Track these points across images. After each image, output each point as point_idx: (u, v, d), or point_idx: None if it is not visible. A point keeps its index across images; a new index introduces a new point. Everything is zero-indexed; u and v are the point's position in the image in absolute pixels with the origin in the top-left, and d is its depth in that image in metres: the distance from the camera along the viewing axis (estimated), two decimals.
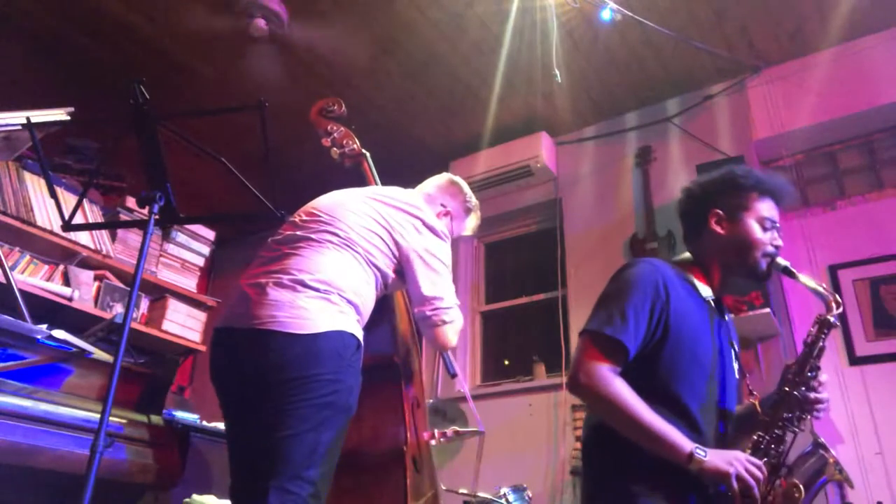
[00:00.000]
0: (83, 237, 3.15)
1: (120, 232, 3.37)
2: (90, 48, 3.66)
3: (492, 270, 4.57)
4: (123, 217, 3.28)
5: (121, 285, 3.30)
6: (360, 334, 1.76)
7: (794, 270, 1.59)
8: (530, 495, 2.62)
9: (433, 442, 2.21)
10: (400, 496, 1.91)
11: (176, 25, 3.49)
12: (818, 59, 3.57)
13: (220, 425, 2.51)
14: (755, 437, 1.48)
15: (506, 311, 4.37)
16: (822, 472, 1.45)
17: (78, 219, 1.84)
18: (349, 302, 1.75)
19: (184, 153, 2.14)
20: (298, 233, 1.86)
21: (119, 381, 1.48)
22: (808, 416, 1.51)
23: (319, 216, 1.89)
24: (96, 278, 3.22)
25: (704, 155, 3.67)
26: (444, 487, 2.41)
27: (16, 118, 2.05)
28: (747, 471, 1.37)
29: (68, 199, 2.97)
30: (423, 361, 2.43)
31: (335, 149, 2.55)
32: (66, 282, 3.07)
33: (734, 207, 1.64)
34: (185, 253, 3.63)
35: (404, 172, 2.54)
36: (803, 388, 1.50)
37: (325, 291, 1.71)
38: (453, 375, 2.40)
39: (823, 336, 1.54)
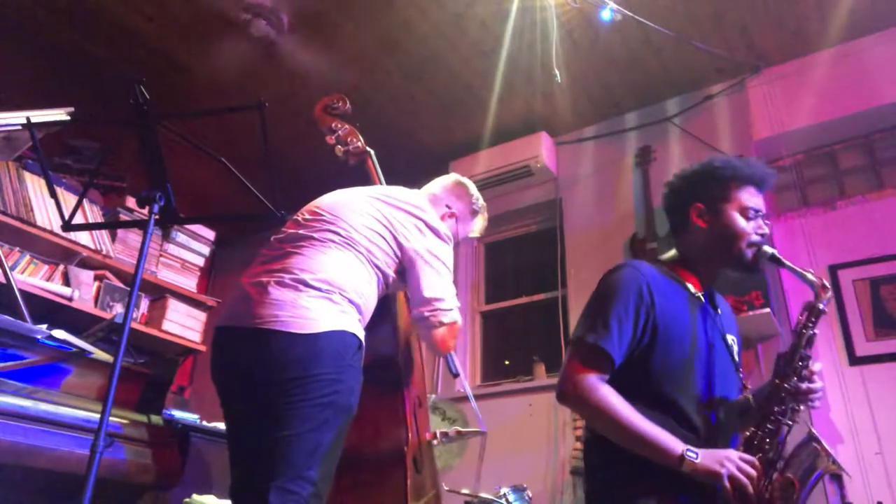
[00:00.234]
0: (83, 237, 3.15)
1: (120, 232, 3.38)
2: (90, 48, 3.66)
3: (492, 270, 4.57)
4: (123, 217, 3.28)
5: (121, 285, 3.30)
6: (361, 334, 1.76)
7: (780, 258, 1.57)
8: (530, 495, 2.62)
9: (435, 442, 2.21)
10: (400, 496, 1.90)
11: (176, 25, 3.49)
12: (818, 59, 3.57)
13: (220, 425, 2.51)
14: (748, 433, 1.47)
15: (506, 311, 4.37)
16: (816, 464, 1.43)
17: (78, 219, 1.84)
18: (351, 302, 1.75)
19: (184, 153, 2.13)
20: (301, 231, 1.85)
21: (119, 381, 1.48)
22: (802, 407, 1.49)
23: (322, 215, 1.89)
24: (96, 278, 3.22)
25: (704, 155, 3.61)
26: (446, 488, 2.41)
27: (16, 118, 2.05)
28: (739, 469, 1.36)
29: (68, 199, 2.98)
30: (424, 361, 2.42)
31: (339, 146, 2.53)
32: (66, 282, 3.07)
33: (714, 199, 1.63)
34: (185, 253, 3.63)
35: (404, 172, 2.54)
36: (795, 379, 1.47)
37: (327, 291, 1.70)
38: (455, 375, 2.40)
39: (812, 323, 1.51)
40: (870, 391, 2.99)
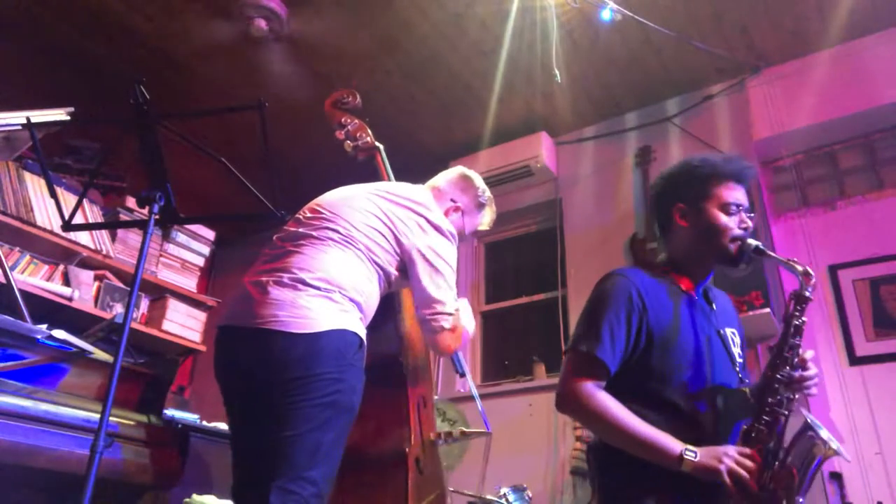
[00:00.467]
0: (83, 237, 3.15)
1: (120, 232, 3.38)
2: (90, 48, 3.66)
3: (492, 270, 4.57)
4: (123, 217, 3.28)
5: (121, 285, 3.30)
6: (362, 333, 1.75)
7: (764, 249, 1.58)
8: (530, 495, 2.62)
9: (440, 442, 2.20)
10: (400, 497, 1.90)
11: (176, 25, 3.49)
12: (818, 59, 3.57)
13: (220, 425, 2.51)
14: (745, 427, 1.47)
15: (506, 311, 4.37)
16: (814, 452, 1.43)
17: (78, 219, 1.84)
18: (351, 300, 1.74)
19: (184, 153, 2.13)
20: (301, 230, 1.84)
21: (119, 381, 1.48)
22: (797, 396, 1.49)
23: (322, 213, 1.88)
24: (96, 278, 3.22)
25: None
26: (451, 489, 2.40)
27: (16, 118, 2.05)
28: (738, 463, 1.37)
29: (68, 199, 2.98)
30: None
31: (349, 141, 2.50)
32: (66, 282, 3.07)
33: (695, 198, 1.64)
34: (185, 253, 3.63)
35: (404, 172, 2.53)
36: (787, 369, 1.48)
37: (327, 290, 1.69)
38: (462, 375, 2.39)
39: (800, 311, 1.52)
40: (870, 391, 2.99)
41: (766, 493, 1.39)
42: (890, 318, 3.12)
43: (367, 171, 2.51)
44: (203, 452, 2.33)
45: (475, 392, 2.56)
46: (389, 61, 3.72)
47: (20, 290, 2.17)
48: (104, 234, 3.29)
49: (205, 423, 2.46)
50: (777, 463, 1.43)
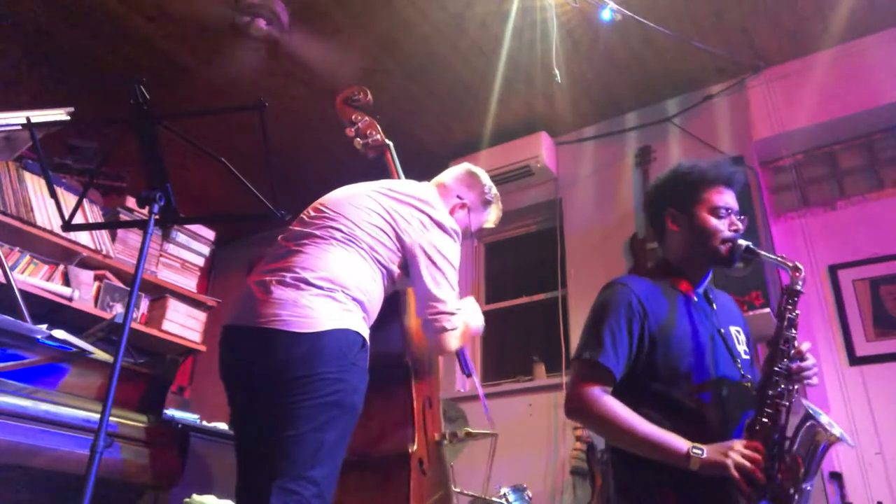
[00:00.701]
0: (83, 237, 3.15)
1: (120, 232, 3.37)
2: (90, 48, 3.66)
3: (492, 270, 4.57)
4: (123, 217, 3.28)
5: (121, 285, 3.30)
6: (365, 332, 1.74)
7: (754, 249, 1.63)
8: (530, 495, 2.62)
9: (445, 442, 2.20)
10: (402, 498, 1.89)
11: (176, 25, 3.49)
12: (818, 59, 3.57)
13: (221, 425, 2.51)
14: (748, 421, 1.51)
15: (506, 311, 4.37)
16: (818, 439, 1.46)
17: (78, 219, 1.84)
18: (354, 299, 1.73)
19: (184, 153, 2.13)
20: (304, 229, 1.84)
21: (119, 381, 1.47)
22: (797, 387, 1.52)
23: (325, 212, 1.87)
24: (96, 278, 3.22)
25: (704, 155, 3.67)
26: (456, 489, 2.39)
27: (16, 118, 2.05)
28: (744, 457, 1.41)
29: (68, 199, 2.97)
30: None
31: (358, 139, 2.49)
32: (66, 282, 3.07)
33: (686, 203, 1.69)
34: (185, 253, 3.63)
35: (404, 172, 2.53)
36: (785, 361, 1.52)
37: (329, 289, 1.69)
38: (468, 375, 2.38)
39: (792, 305, 1.56)
40: (870, 391, 3.00)
41: (773, 484, 1.43)
42: (890, 318, 3.12)
43: (370, 171, 2.50)
44: (203, 452, 2.33)
45: (482, 393, 2.54)
46: (389, 61, 3.72)
47: (20, 290, 2.17)
48: (104, 234, 3.29)
49: (205, 423, 2.46)
50: (782, 453, 1.46)
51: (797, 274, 1.57)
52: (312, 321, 1.63)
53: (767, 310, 3.05)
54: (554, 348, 3.85)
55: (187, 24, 3.47)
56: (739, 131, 3.70)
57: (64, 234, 3.01)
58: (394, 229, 1.88)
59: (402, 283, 1.97)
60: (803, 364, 1.53)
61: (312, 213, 1.90)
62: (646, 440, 1.48)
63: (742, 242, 1.63)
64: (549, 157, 4.17)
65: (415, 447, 1.97)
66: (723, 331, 1.67)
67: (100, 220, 3.26)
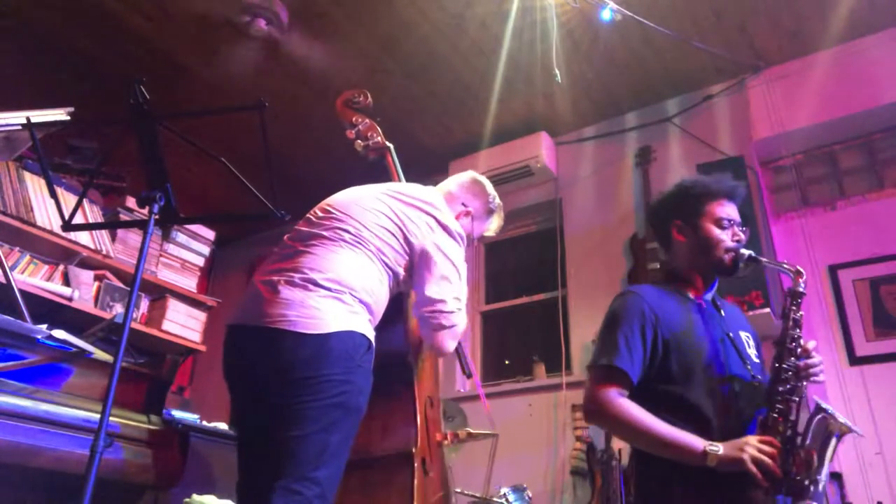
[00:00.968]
0: (83, 237, 3.14)
1: (120, 232, 3.37)
2: (90, 48, 3.66)
3: (492, 270, 4.57)
4: (123, 217, 3.28)
5: (121, 285, 3.29)
6: (371, 335, 1.74)
7: (756, 257, 1.72)
8: (530, 495, 2.62)
9: (446, 443, 2.20)
10: (406, 498, 1.90)
11: (176, 25, 3.49)
12: (818, 59, 3.57)
13: (221, 425, 2.51)
14: (761, 418, 1.56)
15: (506, 311, 4.37)
16: (830, 429, 1.52)
17: (78, 219, 1.84)
18: (361, 301, 1.73)
19: (184, 153, 2.13)
20: (312, 230, 1.84)
21: (119, 381, 1.47)
22: (806, 383, 1.59)
23: (333, 213, 1.87)
24: (96, 278, 3.21)
25: (704, 155, 3.67)
26: (456, 489, 2.40)
27: (16, 118, 2.05)
28: (760, 451, 1.46)
29: (68, 199, 2.97)
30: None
31: (359, 141, 2.50)
32: (66, 282, 3.06)
33: (690, 215, 1.78)
34: (185, 253, 3.63)
35: (404, 172, 2.53)
36: (792, 359, 1.58)
37: (337, 291, 1.69)
38: (469, 376, 2.38)
39: (796, 306, 1.63)
40: (870, 391, 3.00)
41: (789, 478, 1.47)
42: (890, 318, 3.12)
43: (371, 171, 2.51)
44: (203, 452, 2.33)
45: (482, 394, 2.55)
46: (390, 61, 3.72)
47: (20, 290, 2.17)
48: (104, 234, 3.29)
49: (205, 423, 2.46)
50: (795, 448, 1.51)
51: (799, 278, 1.65)
52: (319, 322, 1.63)
53: (767, 310, 3.05)
54: (554, 348, 3.85)
55: (187, 24, 3.47)
56: (739, 131, 3.70)
57: (64, 234, 3.00)
58: (402, 231, 1.88)
59: (407, 285, 1.98)
60: (810, 361, 1.59)
61: (320, 214, 1.90)
62: (663, 440, 1.52)
63: (744, 252, 1.71)
64: (549, 157, 4.17)
65: (418, 447, 1.98)
66: (731, 335, 1.73)
67: (100, 220, 3.26)
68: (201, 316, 3.63)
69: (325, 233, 1.82)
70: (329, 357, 1.61)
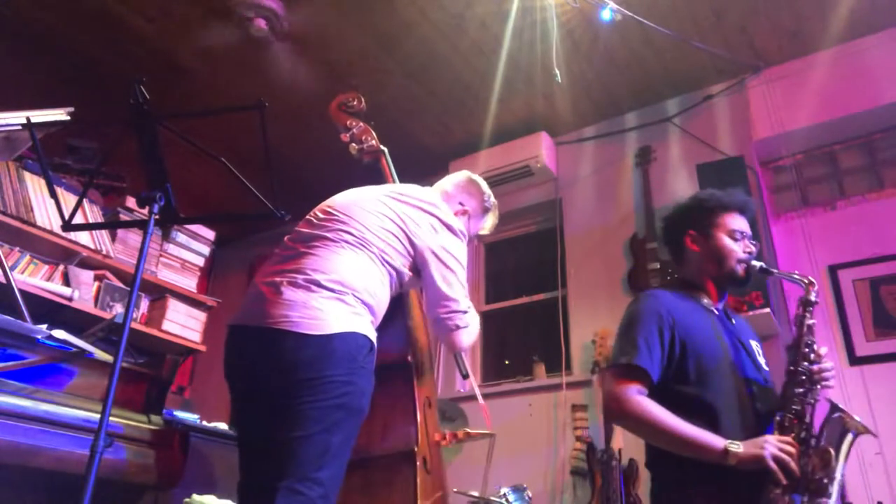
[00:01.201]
0: (83, 237, 3.14)
1: (120, 232, 3.37)
2: (90, 48, 3.66)
3: (492, 270, 4.57)
4: (123, 217, 3.28)
5: (121, 285, 3.29)
6: (373, 336, 1.75)
7: (768, 268, 1.80)
8: (530, 495, 2.62)
9: (443, 443, 2.21)
10: (409, 496, 1.90)
11: (176, 25, 3.49)
12: (818, 59, 3.57)
13: (221, 425, 2.51)
14: (777, 418, 1.60)
15: (506, 311, 4.37)
16: (846, 427, 1.57)
17: (78, 219, 1.84)
18: (363, 303, 1.74)
19: (184, 153, 2.13)
20: (314, 231, 1.85)
21: (119, 381, 1.47)
22: (819, 387, 1.64)
23: (335, 215, 1.88)
24: (96, 278, 3.21)
25: (704, 155, 3.67)
26: (454, 489, 2.40)
27: (16, 118, 2.05)
28: (780, 449, 1.50)
29: (68, 199, 2.97)
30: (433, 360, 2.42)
31: (354, 144, 2.53)
32: (66, 282, 3.06)
33: (705, 227, 1.85)
34: (185, 253, 3.63)
35: (404, 172, 2.53)
36: (805, 363, 1.64)
37: (340, 292, 1.70)
38: (465, 376, 2.39)
39: (808, 314, 1.70)
40: (870, 391, 3.00)
41: (807, 478, 1.51)
42: (890, 318, 3.12)
43: (371, 171, 2.52)
44: (203, 452, 2.33)
45: (479, 394, 2.56)
46: (390, 61, 3.72)
47: (20, 290, 2.17)
48: (104, 234, 3.28)
49: (205, 423, 2.46)
50: (810, 448, 1.56)
51: (812, 287, 1.72)
52: (322, 323, 1.64)
53: (767, 310, 3.05)
54: (554, 348, 3.84)
55: (187, 24, 3.47)
56: (739, 131, 3.70)
57: (64, 234, 3.01)
58: (405, 233, 1.90)
59: (409, 286, 2.01)
60: (824, 366, 1.66)
61: (321, 216, 1.90)
62: (683, 438, 1.54)
63: (756, 263, 1.79)
64: (549, 157, 4.17)
65: (419, 446, 1.99)
66: (743, 341, 1.79)
67: (100, 220, 3.26)
68: (201, 316, 3.63)
69: (327, 234, 1.82)
70: (332, 358, 1.61)
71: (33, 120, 1.91)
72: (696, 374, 1.64)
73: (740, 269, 1.79)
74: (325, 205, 1.96)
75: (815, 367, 1.64)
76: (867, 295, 3.20)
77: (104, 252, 3.23)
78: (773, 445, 1.50)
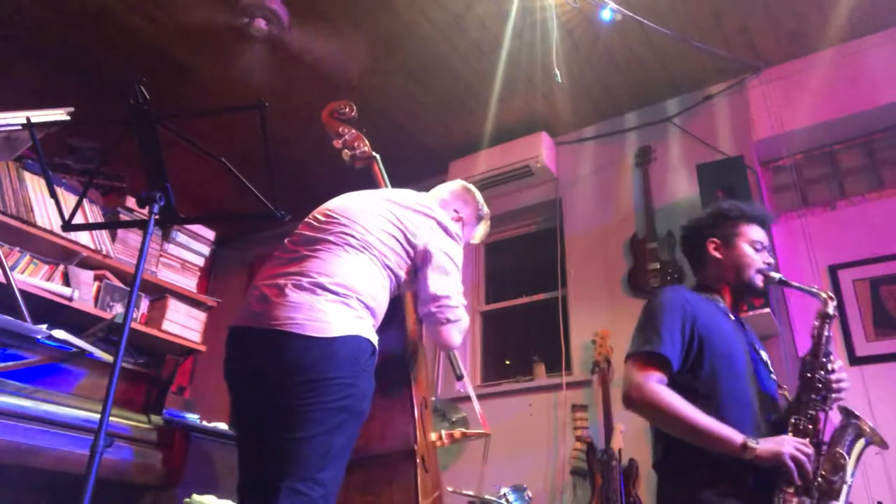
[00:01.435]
0: (83, 237, 3.14)
1: (120, 232, 3.36)
2: (90, 48, 3.66)
3: (492, 270, 4.57)
4: (123, 217, 3.27)
5: (121, 285, 3.29)
6: (375, 339, 1.77)
7: (787, 280, 1.84)
8: (530, 495, 2.62)
9: (439, 443, 2.22)
10: (411, 494, 1.92)
11: (176, 25, 3.49)
12: (818, 59, 3.57)
13: (221, 425, 2.51)
14: (792, 420, 1.64)
15: (506, 311, 4.37)
16: (861, 434, 1.60)
17: (78, 219, 1.84)
18: (366, 307, 1.76)
19: (184, 153, 2.13)
20: (316, 234, 1.86)
21: (119, 381, 1.47)
22: (832, 395, 1.67)
23: (337, 218, 1.90)
24: (96, 278, 3.21)
25: (704, 155, 3.67)
26: (449, 489, 2.41)
27: (16, 118, 2.05)
28: (798, 450, 1.53)
29: (68, 199, 2.97)
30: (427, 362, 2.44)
31: (346, 150, 2.57)
32: (66, 282, 3.06)
33: (728, 235, 1.89)
34: (185, 253, 3.62)
35: (404, 172, 2.55)
36: (822, 372, 1.68)
37: (344, 295, 1.71)
38: (459, 377, 2.40)
39: (826, 327, 1.74)
40: (870, 391, 2.99)
41: (820, 481, 1.55)
42: (890, 318, 3.12)
43: (367, 175, 2.55)
44: (203, 452, 2.33)
45: (473, 394, 2.57)
46: (390, 61, 3.72)
47: (20, 290, 2.17)
48: (104, 234, 3.28)
49: (205, 423, 2.47)
50: (823, 452, 1.60)
51: (830, 301, 1.77)
52: (326, 326, 1.65)
53: (767, 310, 3.05)
54: (554, 348, 3.84)
55: (187, 24, 3.47)
56: (739, 131, 3.70)
57: (64, 234, 3.00)
58: (405, 236, 1.92)
59: (406, 288, 2.04)
60: (840, 376, 1.69)
61: (322, 219, 1.92)
62: (702, 429, 1.56)
63: (775, 275, 1.84)
64: (549, 157, 4.17)
65: (418, 444, 2.00)
66: (757, 349, 1.84)
67: (100, 220, 3.25)
68: (201, 316, 3.63)
69: (330, 237, 1.83)
70: (335, 360, 1.62)
71: (33, 120, 1.91)
72: (710, 372, 1.67)
73: (759, 279, 1.84)
74: (324, 208, 1.98)
75: (833, 377, 1.68)
76: (867, 295, 3.20)
77: (104, 252, 3.23)
78: (791, 445, 1.54)
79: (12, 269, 2.78)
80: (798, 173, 3.66)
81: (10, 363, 1.86)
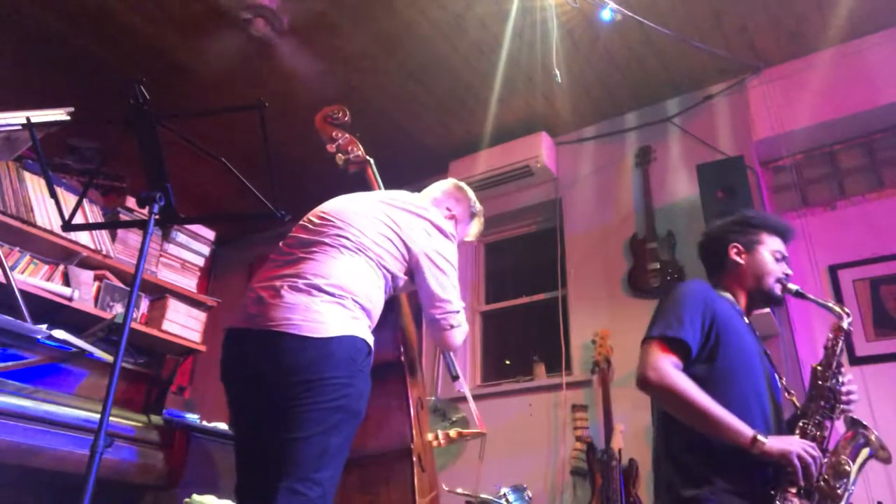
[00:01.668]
0: (83, 237, 3.14)
1: (120, 232, 3.36)
2: (90, 48, 3.66)
3: (492, 270, 4.57)
4: (123, 217, 3.27)
5: (121, 285, 3.29)
6: (371, 340, 1.78)
7: (804, 293, 1.89)
8: (530, 495, 2.62)
9: (435, 443, 2.22)
10: (408, 493, 1.92)
11: (176, 26, 3.49)
12: (818, 59, 3.57)
13: (221, 425, 2.51)
14: (801, 424, 1.68)
15: (506, 311, 4.37)
16: (867, 445, 1.64)
17: (78, 219, 1.84)
18: (362, 307, 1.77)
19: (184, 153, 2.13)
20: (311, 237, 1.87)
21: (119, 381, 1.47)
22: (841, 406, 1.71)
23: (331, 220, 1.91)
24: (96, 278, 3.21)
25: (704, 155, 3.67)
26: (445, 488, 2.42)
27: (16, 118, 2.05)
28: (805, 451, 1.56)
29: (68, 199, 2.97)
30: (423, 362, 2.45)
31: (340, 155, 2.58)
32: (66, 282, 3.06)
33: (750, 242, 1.93)
34: (185, 253, 3.62)
35: (404, 172, 2.55)
36: (833, 382, 1.72)
37: (340, 297, 1.73)
38: (455, 377, 2.41)
39: (840, 340, 1.80)
40: (870, 391, 2.99)
41: (822, 485, 1.57)
42: (890, 318, 3.12)
43: (363, 179, 2.56)
44: (203, 452, 2.33)
45: (468, 394, 2.58)
46: (390, 61, 3.72)
47: (20, 290, 2.18)
48: (104, 234, 3.28)
49: (205, 423, 2.46)
50: (828, 459, 1.62)
51: (846, 316, 1.83)
52: (323, 326, 1.66)
53: (767, 310, 3.04)
54: (554, 348, 3.85)
55: (187, 24, 3.47)
56: (739, 131, 3.70)
57: (64, 234, 3.00)
58: (400, 238, 1.94)
59: (403, 289, 2.05)
60: (850, 387, 1.74)
61: (317, 221, 1.93)
62: (714, 418, 1.57)
63: (792, 286, 1.89)
64: (549, 157, 4.17)
65: (415, 443, 2.01)
66: (768, 353, 1.88)
67: (100, 220, 3.25)
68: (201, 316, 3.63)
69: (325, 240, 1.85)
70: (331, 360, 1.63)
71: (33, 120, 1.91)
72: (725, 367, 1.69)
73: (777, 288, 1.87)
74: (318, 211, 1.99)
75: (843, 388, 1.72)
76: (867, 295, 3.20)
77: (104, 252, 3.23)
78: (799, 445, 1.56)
79: (12, 269, 2.78)
80: (798, 173, 3.66)
81: (10, 363, 1.86)
